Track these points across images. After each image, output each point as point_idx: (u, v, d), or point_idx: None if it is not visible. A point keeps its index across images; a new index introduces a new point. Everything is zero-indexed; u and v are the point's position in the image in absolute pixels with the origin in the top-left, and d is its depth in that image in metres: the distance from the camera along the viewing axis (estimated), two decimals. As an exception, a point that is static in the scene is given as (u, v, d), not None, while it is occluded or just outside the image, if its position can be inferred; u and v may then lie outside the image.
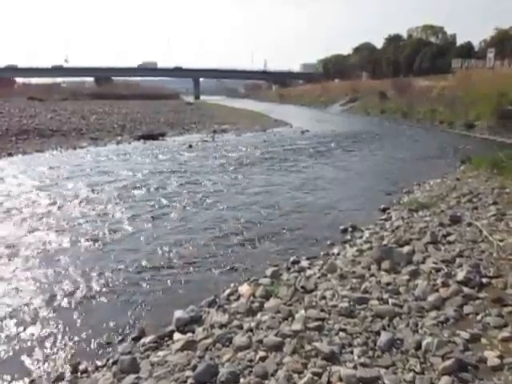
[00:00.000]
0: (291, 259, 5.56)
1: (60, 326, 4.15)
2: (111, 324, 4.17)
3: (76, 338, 3.94)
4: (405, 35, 72.87)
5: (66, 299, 4.66)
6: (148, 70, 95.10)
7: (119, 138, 19.27)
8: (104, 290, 4.90)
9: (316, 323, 3.60)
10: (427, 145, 18.78)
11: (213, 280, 5.16)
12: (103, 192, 9.33)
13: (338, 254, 5.61)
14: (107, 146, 16.97)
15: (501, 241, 5.24)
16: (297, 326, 3.56)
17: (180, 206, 8.30)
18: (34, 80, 67.53)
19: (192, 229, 7.01)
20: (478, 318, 3.57)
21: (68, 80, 74.49)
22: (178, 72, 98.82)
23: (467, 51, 54.97)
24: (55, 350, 3.79)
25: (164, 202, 8.59)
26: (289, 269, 5.25)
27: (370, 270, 4.79)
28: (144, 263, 5.62)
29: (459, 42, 62.75)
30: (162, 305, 4.55)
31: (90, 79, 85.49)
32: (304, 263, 5.36)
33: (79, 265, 5.57)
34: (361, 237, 6.34)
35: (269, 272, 5.04)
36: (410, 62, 59.80)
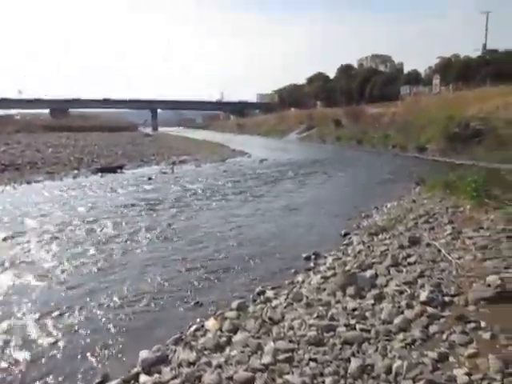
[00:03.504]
0: (256, 290, 5.50)
1: (17, 373, 3.89)
2: (72, 369, 3.94)
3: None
4: (355, 65, 76.24)
5: (21, 344, 4.38)
6: (105, 101, 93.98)
7: (76, 171, 18.79)
8: (63, 332, 4.64)
9: (286, 355, 3.55)
10: (382, 169, 19.41)
11: (178, 316, 5.01)
12: (60, 229, 8.96)
13: (303, 282, 5.61)
14: (64, 181, 16.47)
15: (459, 259, 5.42)
16: (267, 359, 3.49)
17: (139, 242, 8.08)
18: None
19: (153, 264, 6.82)
20: (444, 336, 3.63)
21: (22, 112, 72.38)
22: (136, 103, 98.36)
23: (414, 78, 58.03)
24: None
25: (123, 237, 8.34)
26: (255, 300, 5.18)
27: (335, 296, 4.80)
28: (104, 302, 5.39)
29: (406, 69, 66.27)
30: (126, 345, 4.35)
31: (45, 111, 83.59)
32: (270, 293, 5.30)
33: (36, 306, 5.27)
34: (324, 263, 6.38)
35: (235, 305, 4.96)
36: (361, 90, 62.26)
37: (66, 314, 5.07)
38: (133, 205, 11.50)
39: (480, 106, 23.69)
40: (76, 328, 4.75)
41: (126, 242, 8.07)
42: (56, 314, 5.09)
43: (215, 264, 6.75)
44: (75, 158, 22.47)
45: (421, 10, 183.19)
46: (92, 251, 7.47)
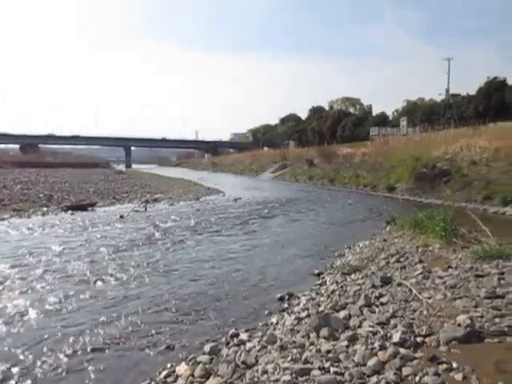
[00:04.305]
0: (230, 332, 5.40)
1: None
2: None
3: None
4: (326, 106, 78.85)
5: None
6: (78, 138, 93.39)
7: (45, 209, 18.29)
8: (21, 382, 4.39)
9: (259, 401, 3.46)
10: (354, 208, 19.76)
11: (148, 361, 4.84)
12: (22, 269, 8.62)
13: (277, 324, 5.55)
14: (32, 218, 16.00)
15: (429, 298, 5.48)
16: (239, 406, 3.39)
17: (109, 282, 7.85)
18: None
19: (123, 306, 6.62)
20: (417, 378, 3.60)
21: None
22: (109, 140, 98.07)
23: (383, 120, 60.33)
24: None
25: (92, 278, 8.08)
26: (228, 343, 5.08)
27: (309, 338, 4.75)
28: (70, 347, 5.16)
29: (375, 112, 68.93)
30: (91, 394, 4.16)
31: (15, 146, 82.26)
32: (243, 336, 5.22)
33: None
34: (298, 304, 6.35)
35: (207, 348, 4.84)
36: (332, 130, 64.24)
37: (27, 361, 4.83)
38: (103, 244, 11.24)
39: (445, 147, 24.70)
40: (40, 375, 4.52)
41: (95, 282, 7.83)
42: (17, 359, 4.84)
43: (187, 305, 6.61)
44: (44, 195, 21.95)
45: (386, 55, 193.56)
46: (58, 292, 7.20)
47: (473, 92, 48.23)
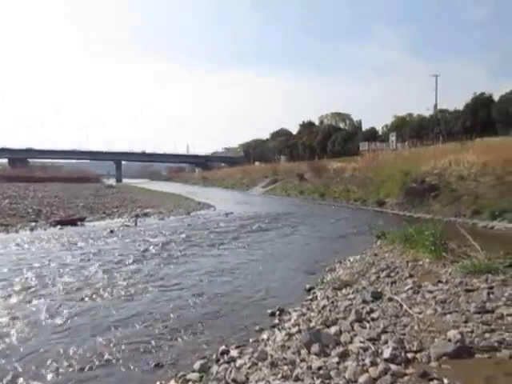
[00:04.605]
0: (220, 349, 5.33)
1: None
2: None
3: None
4: (317, 121, 79.60)
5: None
6: (68, 152, 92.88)
7: (34, 224, 18.10)
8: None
9: (249, 420, 3.41)
10: (344, 222, 19.81)
11: (136, 379, 4.76)
12: (11, 285, 8.49)
13: (268, 340, 5.50)
14: (20, 233, 15.82)
15: (420, 313, 5.48)
16: (229, 426, 3.34)
17: (97, 299, 7.75)
18: None
19: (111, 322, 6.52)
20: (408, 396, 3.60)
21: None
22: (100, 155, 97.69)
23: (372, 135, 60.91)
24: None
25: (80, 295, 7.98)
26: (218, 360, 5.01)
27: (300, 354, 4.71)
28: (55, 366, 5.05)
29: (364, 127, 69.64)
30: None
31: (4, 160, 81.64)
32: (234, 352, 5.15)
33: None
34: (289, 319, 6.31)
35: (197, 365, 4.78)
36: (323, 145, 64.74)
37: (10, 378, 4.73)
38: (91, 259, 11.13)
39: (434, 162, 24.97)
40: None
41: (82, 299, 7.72)
42: (1, 375, 4.73)
43: (176, 321, 6.54)
44: (33, 210, 21.75)
45: (376, 70, 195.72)
46: (46, 308, 7.09)
47: (461, 107, 49.08)
